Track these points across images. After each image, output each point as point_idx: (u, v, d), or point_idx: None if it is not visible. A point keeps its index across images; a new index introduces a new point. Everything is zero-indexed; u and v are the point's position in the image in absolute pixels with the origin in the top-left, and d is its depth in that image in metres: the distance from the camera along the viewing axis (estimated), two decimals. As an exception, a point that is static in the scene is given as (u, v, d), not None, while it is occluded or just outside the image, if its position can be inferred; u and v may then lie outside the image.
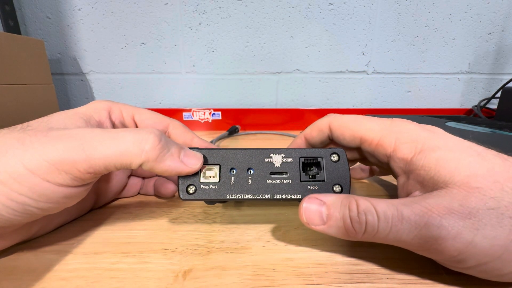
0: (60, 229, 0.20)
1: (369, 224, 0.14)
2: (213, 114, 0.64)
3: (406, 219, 0.14)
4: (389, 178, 0.32)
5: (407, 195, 0.17)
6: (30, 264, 0.16)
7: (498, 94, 0.58)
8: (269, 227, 0.21)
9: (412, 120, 0.18)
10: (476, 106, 0.65)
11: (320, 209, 0.16)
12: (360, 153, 0.21)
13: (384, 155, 0.18)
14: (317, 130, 0.22)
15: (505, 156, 0.15)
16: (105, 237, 0.19)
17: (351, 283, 0.15)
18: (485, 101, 0.65)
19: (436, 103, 0.69)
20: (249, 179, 0.18)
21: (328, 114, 0.22)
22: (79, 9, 0.59)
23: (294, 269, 0.16)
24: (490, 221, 0.12)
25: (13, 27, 0.55)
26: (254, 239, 0.19)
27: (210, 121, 0.64)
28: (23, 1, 0.58)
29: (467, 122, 0.50)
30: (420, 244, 0.14)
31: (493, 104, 0.64)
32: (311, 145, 0.23)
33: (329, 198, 0.16)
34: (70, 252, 0.18)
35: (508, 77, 0.59)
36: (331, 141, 0.22)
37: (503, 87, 0.57)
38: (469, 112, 0.69)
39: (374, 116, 0.23)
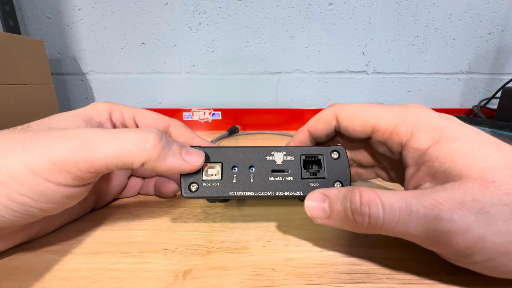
0: (60, 229, 0.20)
1: (372, 217, 0.14)
2: (213, 114, 0.64)
3: (415, 212, 0.13)
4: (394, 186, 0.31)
5: (415, 187, 0.16)
6: (30, 264, 0.16)
7: (498, 94, 0.58)
8: (269, 227, 0.21)
9: None
10: (476, 106, 0.65)
11: (323, 203, 0.16)
12: (364, 145, 0.20)
13: (398, 144, 0.17)
14: (322, 122, 0.20)
15: None
16: (105, 237, 0.19)
17: (351, 283, 0.15)
18: (485, 101, 0.64)
19: (436, 103, 0.69)
20: (251, 177, 0.18)
21: (331, 104, 0.20)
22: (79, 9, 0.59)
23: (294, 269, 0.16)
24: (502, 216, 0.12)
25: (13, 27, 0.55)
26: (254, 239, 0.19)
27: (210, 121, 0.64)
28: (23, 1, 0.58)
29: (467, 122, 0.50)
30: (429, 238, 0.14)
31: (493, 104, 0.64)
32: (315, 139, 0.22)
33: (332, 192, 0.16)
34: (70, 252, 0.18)
35: (508, 77, 0.59)
36: (337, 134, 0.21)
37: (503, 87, 0.57)
38: (469, 112, 0.69)
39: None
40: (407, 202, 0.13)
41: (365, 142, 0.20)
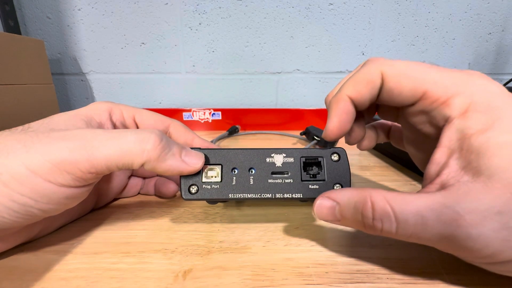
0: (60, 229, 0.20)
1: (385, 230, 0.14)
2: (213, 114, 0.64)
3: (430, 228, 0.12)
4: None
5: (437, 173, 0.14)
6: (30, 264, 0.16)
7: (498, 94, 0.58)
8: (269, 227, 0.21)
9: None
10: (476, 106, 0.65)
11: (333, 208, 0.15)
12: (392, 113, 0.18)
13: (443, 118, 0.14)
14: (365, 82, 0.16)
15: None
16: (105, 237, 0.19)
17: (351, 283, 0.15)
18: (485, 101, 0.64)
19: (436, 103, 0.69)
20: (251, 179, 0.18)
21: (369, 59, 0.16)
22: (79, 9, 0.59)
23: (294, 269, 0.16)
24: None
25: (13, 27, 0.55)
26: (254, 239, 0.19)
27: (210, 121, 0.64)
28: (23, 1, 0.58)
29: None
30: (442, 247, 0.13)
31: (493, 104, 0.64)
32: (357, 107, 0.17)
33: (342, 197, 0.15)
34: (70, 252, 0.18)
35: (508, 77, 0.59)
36: (376, 100, 0.17)
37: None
38: (469, 112, 0.69)
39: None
40: (424, 217, 0.12)
41: (395, 110, 0.17)
